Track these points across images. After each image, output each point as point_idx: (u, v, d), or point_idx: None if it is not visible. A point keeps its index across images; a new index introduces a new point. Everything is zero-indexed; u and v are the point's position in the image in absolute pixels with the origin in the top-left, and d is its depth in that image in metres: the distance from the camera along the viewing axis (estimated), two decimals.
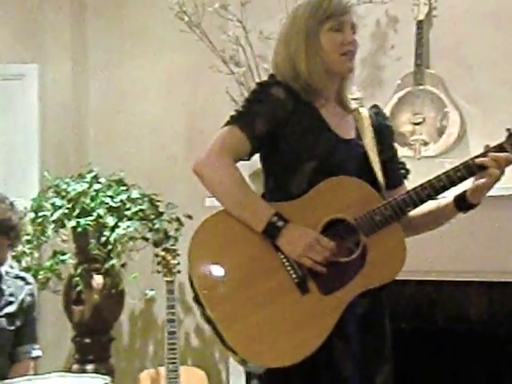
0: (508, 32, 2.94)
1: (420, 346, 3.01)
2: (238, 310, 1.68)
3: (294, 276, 1.69)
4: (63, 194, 3.49)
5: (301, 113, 1.79)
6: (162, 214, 3.51)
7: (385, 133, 1.91)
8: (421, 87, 3.02)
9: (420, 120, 3.02)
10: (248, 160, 1.84)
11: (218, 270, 1.72)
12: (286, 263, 1.70)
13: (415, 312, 3.01)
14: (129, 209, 3.44)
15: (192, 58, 3.73)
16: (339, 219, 1.73)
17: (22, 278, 2.73)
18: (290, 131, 1.77)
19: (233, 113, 1.82)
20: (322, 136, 1.78)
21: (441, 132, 2.99)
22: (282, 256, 1.71)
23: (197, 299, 1.72)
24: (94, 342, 3.57)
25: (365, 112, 1.90)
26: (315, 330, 1.66)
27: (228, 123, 1.80)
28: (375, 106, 1.96)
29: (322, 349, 1.65)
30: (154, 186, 3.67)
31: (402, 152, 2.95)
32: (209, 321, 1.70)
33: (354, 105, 1.89)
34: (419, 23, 3.04)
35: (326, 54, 1.79)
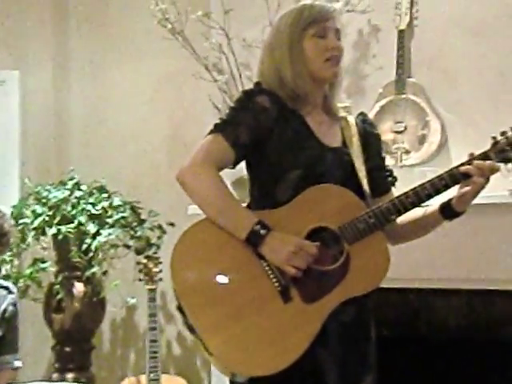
0: (488, 41, 2.97)
1: (402, 353, 3.02)
2: (221, 318, 1.68)
3: (276, 284, 1.69)
4: (44, 201, 3.47)
5: (286, 121, 1.79)
6: (144, 221, 3.50)
7: (371, 141, 1.91)
8: (402, 96, 3.04)
9: (401, 129, 3.04)
10: (233, 168, 1.84)
11: (200, 279, 1.72)
12: (269, 271, 1.70)
13: (397, 320, 3.02)
14: (110, 216, 3.43)
15: (175, 66, 3.72)
16: (323, 227, 1.73)
17: (5, 288, 2.71)
18: (275, 139, 1.77)
19: (217, 121, 1.82)
20: (308, 144, 1.79)
21: (422, 140, 3.01)
22: (265, 264, 1.71)
23: (180, 308, 1.72)
24: (74, 350, 3.55)
25: (352, 120, 1.90)
26: (298, 338, 1.66)
27: (212, 131, 1.80)
28: (362, 114, 1.96)
29: (306, 357, 1.65)
30: (136, 193, 3.66)
31: None
32: (192, 329, 1.70)
33: (341, 113, 1.89)
34: (401, 33, 3.06)
35: (310, 60, 1.80)
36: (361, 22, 3.17)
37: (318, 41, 1.80)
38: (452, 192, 1.77)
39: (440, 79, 3.05)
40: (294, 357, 1.64)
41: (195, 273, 1.73)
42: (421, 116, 3.02)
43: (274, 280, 1.69)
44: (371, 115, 3.08)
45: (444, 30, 3.06)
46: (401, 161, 2.98)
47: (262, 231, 1.69)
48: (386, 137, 3.04)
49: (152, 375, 3.19)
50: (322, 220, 1.73)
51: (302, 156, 1.76)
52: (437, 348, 3.00)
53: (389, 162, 2.93)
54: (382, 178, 1.91)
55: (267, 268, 1.70)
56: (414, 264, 2.86)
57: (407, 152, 3.00)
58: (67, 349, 3.54)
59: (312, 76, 1.81)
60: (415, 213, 1.80)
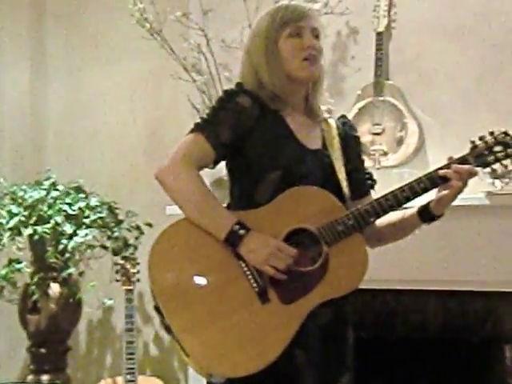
0: (466, 44, 3.00)
1: (379, 354, 3.03)
2: (198, 318, 1.68)
3: (254, 285, 1.69)
4: (20, 201, 3.43)
5: (267, 122, 1.79)
6: (121, 222, 3.48)
7: (352, 143, 1.92)
8: (380, 98, 3.06)
9: (379, 130, 3.06)
10: (213, 168, 1.84)
11: (178, 279, 1.71)
12: (247, 272, 1.70)
13: (374, 321, 3.03)
14: (87, 217, 3.40)
15: (153, 66, 3.71)
16: (302, 229, 1.73)
17: None
18: (256, 140, 1.77)
19: (198, 120, 1.81)
20: (288, 146, 1.79)
21: (400, 142, 3.03)
22: (244, 265, 1.70)
23: (157, 308, 1.71)
24: (49, 351, 3.51)
25: (332, 122, 1.91)
26: (275, 339, 1.66)
27: (193, 130, 1.79)
28: (343, 117, 1.97)
29: (283, 359, 1.65)
30: (114, 193, 3.64)
31: None
32: (168, 330, 1.69)
33: (323, 115, 1.89)
34: (379, 35, 3.08)
35: (287, 61, 1.80)
36: (339, 24, 3.18)
37: (294, 41, 1.80)
38: (431, 195, 1.78)
39: (418, 81, 3.08)
40: (272, 357, 1.64)
41: (173, 273, 1.72)
42: (399, 118, 3.04)
43: (252, 281, 1.69)
44: (350, 117, 3.09)
45: (422, 32, 3.08)
46: (379, 162, 3.00)
47: (241, 231, 1.69)
48: (364, 138, 3.05)
49: (129, 376, 3.18)
50: (302, 221, 1.73)
51: (282, 157, 1.76)
52: (414, 348, 3.02)
53: (367, 163, 2.91)
54: (361, 181, 1.91)
55: (245, 269, 1.70)
56: (390, 266, 2.87)
57: (385, 154, 3.02)
58: (42, 350, 3.50)
59: (289, 77, 1.81)
60: (394, 216, 1.81)
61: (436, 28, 3.06)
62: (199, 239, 1.72)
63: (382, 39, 3.07)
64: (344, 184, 1.82)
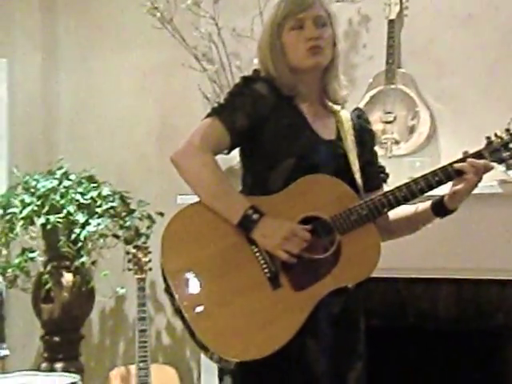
0: (478, 32, 2.98)
1: (390, 343, 3.03)
2: (209, 301, 1.68)
3: (266, 271, 1.70)
4: (32, 190, 3.45)
5: (283, 110, 1.80)
6: (133, 211, 3.48)
7: (366, 136, 1.92)
8: (392, 86, 3.05)
9: (391, 119, 3.05)
10: (228, 154, 1.84)
11: (190, 261, 1.71)
12: (260, 257, 1.70)
13: (386, 309, 3.03)
14: (99, 206, 3.41)
15: (164, 55, 3.71)
16: (315, 217, 1.73)
17: None
18: (271, 127, 1.78)
19: (215, 105, 1.83)
20: (303, 134, 1.79)
21: (411, 131, 3.02)
22: (256, 249, 1.71)
23: (168, 289, 1.71)
24: (63, 340, 3.53)
25: (347, 114, 1.91)
26: (285, 324, 1.66)
27: (209, 115, 1.80)
28: (358, 109, 1.98)
29: (294, 346, 1.65)
30: (126, 182, 3.65)
31: None
32: (179, 311, 1.69)
33: (335, 107, 1.89)
34: (390, 22, 3.06)
35: (291, 53, 1.81)
36: (351, 12, 3.17)
37: (296, 33, 1.80)
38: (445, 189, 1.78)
39: (430, 69, 3.06)
40: (282, 342, 1.64)
41: (185, 255, 1.72)
42: (410, 106, 3.02)
43: (264, 266, 1.70)
44: (361, 105, 3.09)
45: (434, 20, 3.06)
46: (390, 151, 2.99)
47: (255, 216, 1.69)
48: (376, 127, 3.04)
49: (141, 365, 3.19)
50: (315, 209, 1.73)
51: (296, 145, 1.77)
52: (425, 337, 3.02)
53: (378, 152, 2.95)
54: (373, 174, 1.92)
55: (258, 254, 1.70)
56: (402, 254, 2.86)
57: (397, 142, 3.01)
58: (56, 339, 3.52)
59: (295, 69, 1.82)
60: (407, 209, 1.82)
61: (448, 15, 3.04)
62: (213, 222, 1.72)
63: (393, 27, 3.05)
64: (357, 175, 1.82)
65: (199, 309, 1.67)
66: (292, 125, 1.79)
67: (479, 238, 2.82)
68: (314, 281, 1.69)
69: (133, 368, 3.28)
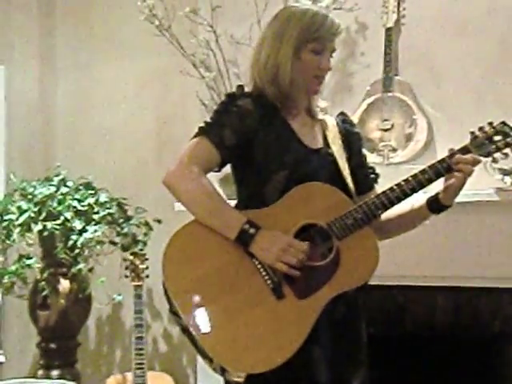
0: (475, 40, 2.99)
1: (388, 351, 3.03)
2: (215, 318, 1.69)
3: (268, 282, 1.70)
4: (30, 197, 3.44)
5: (270, 123, 1.81)
6: (130, 218, 3.48)
7: (353, 140, 1.94)
8: (389, 94, 3.06)
9: (388, 126, 3.05)
10: (218, 171, 1.86)
11: (192, 281, 1.72)
12: (261, 269, 1.72)
13: (383, 317, 3.03)
14: (97, 213, 3.41)
15: (162, 62, 3.71)
16: (312, 224, 1.75)
17: None
18: (260, 142, 1.79)
19: (202, 124, 1.83)
20: (291, 146, 1.81)
21: (409, 138, 3.02)
22: (257, 262, 1.72)
23: (173, 310, 1.73)
24: (59, 347, 3.53)
25: (332, 120, 1.94)
26: (292, 334, 1.67)
27: (197, 135, 1.81)
28: (342, 114, 2.00)
29: (299, 354, 1.66)
30: (123, 189, 3.65)
31: (370, 158, 2.98)
32: (186, 331, 1.70)
33: (320, 116, 1.92)
34: (388, 30, 3.07)
35: (301, 73, 1.83)
36: (348, 20, 3.17)
37: (314, 57, 1.83)
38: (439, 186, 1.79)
39: (427, 77, 3.07)
40: (289, 353, 1.65)
41: (187, 275, 1.73)
42: (408, 114, 3.03)
43: (266, 278, 1.71)
44: (358, 113, 3.10)
45: (431, 28, 3.07)
46: (388, 159, 3.00)
47: (252, 230, 1.70)
48: (373, 135, 3.06)
49: (138, 372, 3.19)
50: (311, 217, 1.75)
51: (287, 157, 1.78)
52: (422, 345, 3.02)
53: (376, 159, 2.97)
54: (364, 176, 1.94)
55: (259, 266, 1.72)
56: (399, 261, 2.87)
57: (394, 150, 3.02)
58: (52, 345, 3.52)
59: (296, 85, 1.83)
60: (403, 207, 1.83)
61: (445, 23, 3.05)
62: (211, 240, 1.73)
63: (391, 35, 3.06)
64: (349, 180, 1.84)
65: (207, 326, 1.68)
66: (280, 138, 1.81)
67: (476, 245, 2.82)
68: (316, 288, 1.70)
69: (129, 375, 3.28)
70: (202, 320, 1.69)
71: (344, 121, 1.96)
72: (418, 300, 2.99)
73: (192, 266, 1.73)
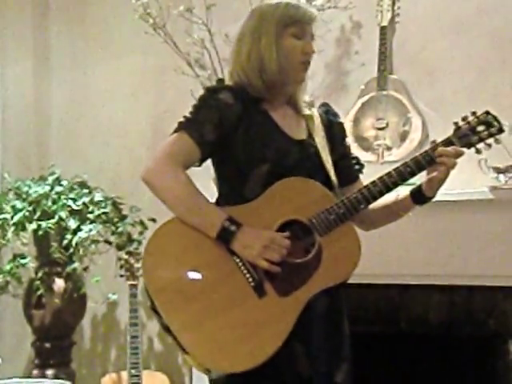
0: (469, 38, 2.99)
1: (383, 349, 3.04)
2: (196, 316, 1.67)
3: (250, 280, 1.69)
4: (24, 196, 3.44)
5: (251, 117, 1.79)
6: (125, 217, 3.48)
7: (335, 130, 1.92)
8: (384, 92, 3.06)
9: (383, 125, 3.05)
10: (199, 166, 1.83)
11: (173, 278, 1.71)
12: (242, 267, 1.70)
13: (378, 315, 3.03)
14: (91, 212, 3.41)
15: (157, 61, 3.71)
16: (293, 220, 1.73)
17: None
18: (241, 136, 1.77)
19: (181, 119, 1.81)
20: (274, 138, 1.79)
21: (403, 137, 3.03)
22: (238, 260, 1.70)
23: (154, 308, 1.71)
24: (54, 346, 3.52)
25: (315, 111, 1.91)
26: (274, 332, 1.66)
27: (176, 130, 1.79)
28: (325, 105, 1.97)
29: (282, 350, 1.65)
30: (118, 188, 3.64)
31: (365, 157, 3.01)
32: (167, 329, 1.69)
33: (306, 110, 1.89)
34: (382, 29, 3.08)
35: (286, 58, 1.80)
36: (343, 19, 3.18)
37: (295, 42, 1.80)
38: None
39: (421, 76, 3.07)
40: (272, 351, 1.64)
41: (167, 273, 1.71)
42: (402, 112, 3.03)
43: (248, 275, 1.69)
44: (353, 111, 3.10)
45: (425, 26, 3.08)
46: (382, 157, 3.00)
47: (233, 227, 1.68)
48: (368, 133, 3.06)
49: (133, 371, 3.18)
50: (292, 213, 1.73)
51: (269, 150, 1.76)
52: (417, 343, 3.02)
53: (370, 158, 2.97)
54: (348, 167, 1.93)
55: (240, 264, 1.70)
56: (394, 260, 2.88)
57: (389, 148, 3.02)
58: (47, 345, 3.51)
59: (281, 74, 1.80)
60: (387, 199, 1.82)
61: (439, 22, 3.05)
62: (192, 237, 1.71)
63: (385, 33, 3.07)
64: (332, 173, 1.83)
65: (187, 324, 1.67)
66: (262, 130, 1.78)
67: (471, 244, 2.82)
68: (298, 285, 1.69)
69: (124, 374, 3.27)
70: (182, 319, 1.67)
71: (327, 112, 1.94)
72: (413, 298, 3.00)
73: (173, 263, 1.72)
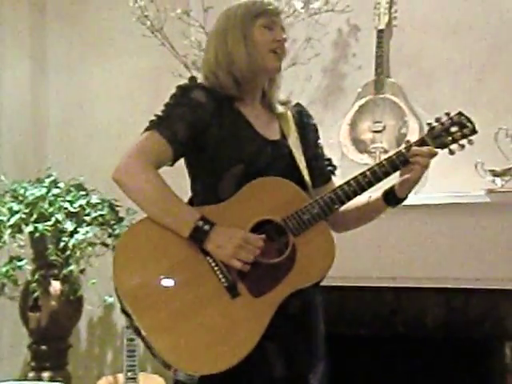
0: (466, 42, 3.00)
1: (378, 352, 3.04)
2: (167, 318, 1.64)
3: (223, 280, 1.67)
4: (21, 198, 3.43)
5: (224, 116, 1.77)
6: (122, 219, 3.47)
7: (309, 131, 1.91)
8: (381, 96, 3.06)
9: (380, 128, 3.06)
10: (171, 165, 1.80)
11: (144, 279, 1.67)
12: (215, 267, 1.68)
13: (374, 318, 3.03)
14: (88, 214, 3.40)
15: (154, 63, 3.71)
16: (267, 220, 1.72)
17: None
18: (214, 135, 1.75)
19: (152, 117, 1.78)
20: (247, 138, 1.78)
21: (400, 140, 3.03)
22: (211, 260, 1.68)
23: (124, 310, 1.68)
24: (50, 349, 3.51)
25: (288, 112, 1.90)
26: (247, 333, 1.64)
27: (148, 129, 1.77)
28: (298, 105, 1.96)
29: (254, 351, 1.63)
30: (114, 191, 3.61)
31: (362, 159, 3.02)
32: (138, 332, 1.66)
33: (280, 109, 1.88)
34: (380, 32, 3.08)
35: (257, 49, 1.79)
36: (340, 22, 3.18)
37: (266, 31, 1.80)
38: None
39: (418, 79, 3.08)
40: (245, 352, 1.62)
41: (138, 274, 1.68)
42: (399, 116, 3.04)
43: (221, 276, 1.67)
44: (350, 114, 3.11)
45: (423, 30, 3.08)
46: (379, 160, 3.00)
47: (206, 227, 1.66)
48: (365, 136, 3.07)
49: (129, 374, 3.18)
50: (266, 213, 1.71)
51: (243, 150, 1.75)
52: (414, 346, 3.02)
53: (367, 161, 2.98)
54: (321, 168, 1.91)
55: (213, 264, 1.68)
56: (390, 263, 2.88)
57: (386, 152, 3.02)
58: (43, 347, 3.50)
59: (256, 65, 1.79)
60: (359, 200, 1.81)
61: (437, 25, 3.06)
62: (164, 237, 1.68)
63: (382, 37, 3.07)
64: (305, 173, 1.81)
65: (158, 326, 1.64)
66: (235, 130, 1.77)
67: (467, 247, 2.83)
68: (272, 285, 1.67)
69: (121, 377, 3.27)
70: (153, 321, 1.64)
71: (300, 112, 1.93)
72: (410, 301, 3.00)
73: (144, 264, 1.68)
